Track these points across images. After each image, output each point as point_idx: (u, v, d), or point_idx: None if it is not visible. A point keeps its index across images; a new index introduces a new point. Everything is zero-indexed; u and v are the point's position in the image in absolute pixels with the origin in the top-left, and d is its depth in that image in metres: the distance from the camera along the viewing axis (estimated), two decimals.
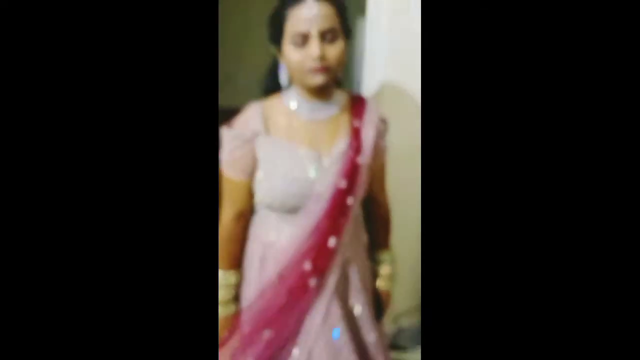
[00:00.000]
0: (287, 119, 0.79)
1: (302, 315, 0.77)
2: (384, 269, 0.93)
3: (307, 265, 0.76)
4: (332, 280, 0.78)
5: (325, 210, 0.76)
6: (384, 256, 0.94)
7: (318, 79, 0.72)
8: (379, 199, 0.91)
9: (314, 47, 0.69)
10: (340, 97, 0.83)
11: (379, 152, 0.84)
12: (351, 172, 0.77)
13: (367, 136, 0.80)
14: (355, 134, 0.79)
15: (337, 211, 0.77)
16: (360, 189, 0.80)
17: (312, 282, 0.75)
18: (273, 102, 0.81)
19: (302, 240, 0.77)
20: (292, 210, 0.77)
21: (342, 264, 0.80)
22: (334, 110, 0.81)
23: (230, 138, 0.77)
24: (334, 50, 0.72)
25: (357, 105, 0.84)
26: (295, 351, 0.76)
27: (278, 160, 0.76)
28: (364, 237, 0.90)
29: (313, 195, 0.76)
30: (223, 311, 0.81)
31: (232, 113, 0.81)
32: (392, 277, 0.94)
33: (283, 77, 0.79)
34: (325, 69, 0.72)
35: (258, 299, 0.79)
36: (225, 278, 0.82)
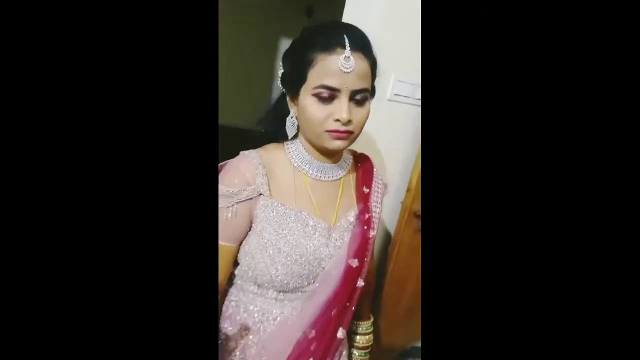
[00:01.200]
0: (291, 178, 0.66)
1: None
2: (362, 340, 0.86)
3: None
4: None
5: (334, 293, 0.65)
6: (364, 327, 0.87)
7: (337, 144, 0.61)
8: (369, 266, 0.78)
9: (343, 109, 0.58)
10: (348, 155, 0.74)
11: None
12: (363, 248, 0.67)
13: (375, 205, 0.72)
14: (365, 202, 0.70)
15: (347, 295, 0.66)
16: (368, 266, 0.70)
17: None
18: (273, 155, 0.67)
19: (303, 328, 0.65)
20: (292, 290, 0.65)
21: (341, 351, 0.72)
22: (341, 171, 0.71)
23: (224, 195, 0.61)
24: (361, 114, 0.61)
25: (363, 167, 0.75)
26: None
27: (284, 231, 0.63)
28: None
29: (321, 275, 0.65)
30: None
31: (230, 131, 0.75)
32: (369, 348, 0.88)
33: (290, 128, 0.66)
34: (348, 134, 0.61)
35: None
36: None
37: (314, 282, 0.66)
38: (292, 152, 0.68)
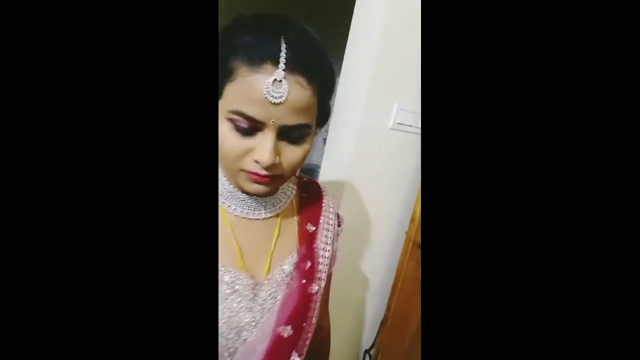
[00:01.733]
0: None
1: None
2: None
3: None
4: None
5: None
6: None
7: (255, 189, 0.47)
8: (321, 324, 0.63)
9: (265, 149, 0.43)
10: (289, 183, 0.58)
11: (331, 260, 0.58)
12: (301, 310, 0.51)
13: (322, 245, 0.55)
14: (309, 245, 0.54)
15: None
16: (310, 335, 0.53)
17: None
18: None
19: None
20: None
21: None
22: (277, 206, 0.55)
23: None
24: (295, 154, 0.46)
25: (309, 196, 0.58)
26: None
27: None
28: None
29: (241, 350, 0.48)
30: None
31: None
32: None
33: None
34: (271, 180, 0.46)
35: None
36: None
37: (234, 355, 0.48)
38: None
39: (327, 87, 0.46)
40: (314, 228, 0.56)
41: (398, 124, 1.17)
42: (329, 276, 0.60)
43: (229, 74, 0.42)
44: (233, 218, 0.52)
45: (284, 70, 0.40)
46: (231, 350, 0.48)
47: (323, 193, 0.61)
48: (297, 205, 0.58)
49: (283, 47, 0.41)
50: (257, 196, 0.51)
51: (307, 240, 0.55)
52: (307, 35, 0.45)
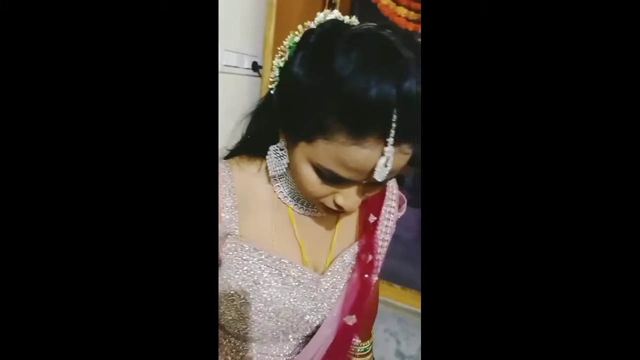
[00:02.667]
0: (269, 212, 0.50)
1: None
2: None
3: None
4: None
5: (324, 356, 0.52)
6: (361, 349, 0.67)
7: (327, 215, 0.49)
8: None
9: (351, 202, 0.42)
10: None
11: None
12: (362, 299, 0.52)
13: (382, 235, 0.54)
14: (369, 237, 0.53)
15: (340, 356, 0.54)
16: (371, 317, 0.57)
17: None
18: (250, 176, 0.50)
19: None
20: (273, 340, 0.52)
21: None
22: None
23: None
24: (367, 195, 0.45)
25: (373, 184, 0.52)
26: None
27: (261, 285, 0.48)
28: None
29: (304, 329, 0.52)
30: None
31: None
32: None
33: (274, 163, 0.46)
34: (339, 212, 0.46)
35: None
36: None
37: (295, 332, 0.52)
38: (279, 184, 0.51)
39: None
40: (375, 218, 0.54)
41: (225, 65, 1.16)
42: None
43: (322, 130, 0.37)
44: (297, 216, 0.52)
45: (393, 143, 0.35)
46: (295, 329, 0.51)
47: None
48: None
49: (394, 117, 0.34)
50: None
51: (368, 232, 0.54)
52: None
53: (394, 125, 0.34)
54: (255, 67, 1.30)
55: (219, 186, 0.48)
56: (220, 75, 1.16)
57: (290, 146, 0.43)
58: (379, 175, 0.37)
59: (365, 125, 0.35)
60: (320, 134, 0.37)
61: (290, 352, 0.53)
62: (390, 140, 0.35)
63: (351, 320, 0.52)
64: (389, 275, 2.17)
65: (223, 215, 0.47)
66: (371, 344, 0.70)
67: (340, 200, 0.42)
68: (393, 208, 0.57)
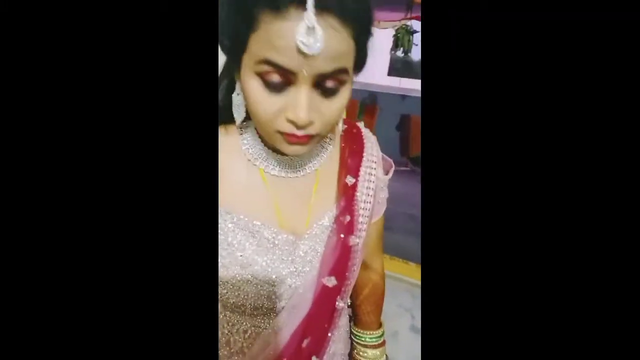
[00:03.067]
0: (243, 175, 0.51)
1: None
2: (370, 354, 0.65)
3: None
4: None
5: (306, 319, 0.52)
6: (371, 338, 0.66)
7: (294, 150, 0.44)
8: (372, 265, 0.65)
9: (300, 105, 0.40)
10: (330, 139, 0.56)
11: (376, 206, 0.58)
12: (342, 261, 0.52)
13: (365, 197, 0.54)
14: (347, 197, 0.53)
15: (322, 318, 0.54)
16: (354, 276, 0.56)
17: None
18: (223, 143, 0.50)
19: (274, 353, 0.53)
20: (266, 312, 0.53)
21: None
22: (316, 160, 0.54)
23: None
24: (331, 109, 0.42)
25: (350, 145, 0.56)
26: None
27: (236, 248, 0.49)
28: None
29: (288, 293, 0.52)
30: None
31: None
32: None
33: (237, 109, 0.46)
34: (309, 138, 0.43)
35: None
36: None
37: (280, 301, 0.52)
38: (246, 141, 0.51)
39: (362, 24, 0.40)
40: (353, 180, 0.54)
41: None
42: (381, 221, 0.61)
43: (251, 24, 0.38)
44: (271, 177, 0.51)
45: (314, 12, 0.35)
46: (277, 293, 0.51)
47: (364, 141, 0.57)
48: (338, 157, 0.56)
49: None
50: (295, 156, 0.50)
51: (347, 194, 0.53)
52: None
53: None
54: None
55: None
56: None
57: (238, 75, 0.43)
58: (304, 47, 0.36)
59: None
60: (249, 29, 0.38)
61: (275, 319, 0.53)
62: (310, 5, 0.35)
63: (330, 282, 0.52)
64: (403, 252, 2.20)
65: None
66: (383, 334, 0.67)
67: (290, 114, 0.40)
68: (374, 170, 0.56)
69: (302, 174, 0.53)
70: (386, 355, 0.69)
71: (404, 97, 3.44)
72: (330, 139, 0.56)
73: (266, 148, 0.51)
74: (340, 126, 0.57)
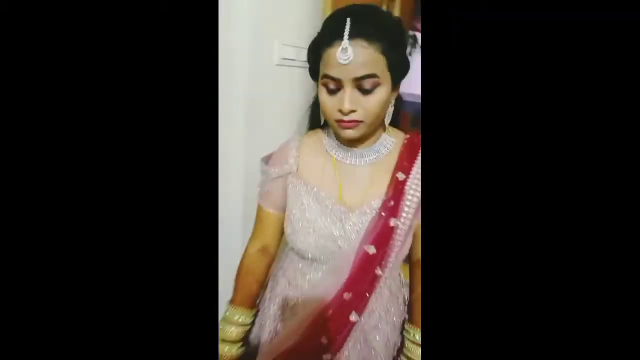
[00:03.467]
0: (321, 161, 0.72)
1: None
2: (409, 349, 0.71)
3: (324, 339, 0.67)
4: (346, 355, 0.68)
5: (349, 277, 0.66)
6: (411, 334, 0.72)
7: (348, 134, 0.64)
8: (415, 257, 0.74)
9: (345, 99, 0.60)
10: (389, 139, 0.72)
11: None
12: (382, 236, 0.66)
13: (412, 192, 0.68)
14: (396, 189, 0.67)
15: (362, 280, 0.66)
16: (397, 257, 0.68)
17: (326, 357, 0.67)
18: (311, 140, 0.75)
19: (324, 300, 0.67)
20: (323, 261, 0.70)
21: (363, 337, 0.70)
22: (377, 155, 0.71)
23: (264, 171, 0.75)
24: (369, 102, 0.61)
25: (408, 149, 0.71)
26: None
27: (306, 208, 0.69)
28: (400, 306, 0.76)
29: (340, 255, 0.67)
30: (229, 350, 0.73)
31: None
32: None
33: (320, 116, 0.69)
34: (356, 124, 0.62)
35: (275, 344, 0.71)
36: (240, 316, 0.74)
37: (331, 258, 0.68)
38: (326, 138, 0.74)
39: (391, 42, 0.60)
40: (404, 177, 0.69)
41: (283, 59, 1.24)
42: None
43: (319, 57, 0.62)
44: (340, 164, 0.71)
45: (349, 39, 0.57)
46: (330, 250, 0.68)
47: (420, 149, 0.71)
48: (397, 158, 0.71)
49: (346, 26, 0.58)
50: (351, 141, 0.68)
51: (396, 186, 0.68)
52: (365, 12, 0.61)
53: (347, 28, 0.58)
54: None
55: (288, 145, 0.74)
56: (277, 68, 1.25)
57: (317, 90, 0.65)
58: (340, 60, 0.58)
59: (331, 36, 0.59)
60: (320, 61, 0.62)
61: (327, 273, 0.70)
62: (345, 36, 0.58)
63: (370, 249, 0.66)
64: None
65: (290, 160, 0.72)
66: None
67: (339, 105, 0.61)
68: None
69: (363, 164, 0.70)
70: None
71: None
72: (392, 141, 0.73)
73: (339, 142, 0.72)
74: (403, 136, 0.74)
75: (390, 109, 0.67)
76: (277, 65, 1.24)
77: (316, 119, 0.74)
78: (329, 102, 0.63)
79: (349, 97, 0.60)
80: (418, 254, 0.72)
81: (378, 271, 0.67)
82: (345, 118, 0.62)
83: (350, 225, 0.68)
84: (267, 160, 0.77)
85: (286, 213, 0.73)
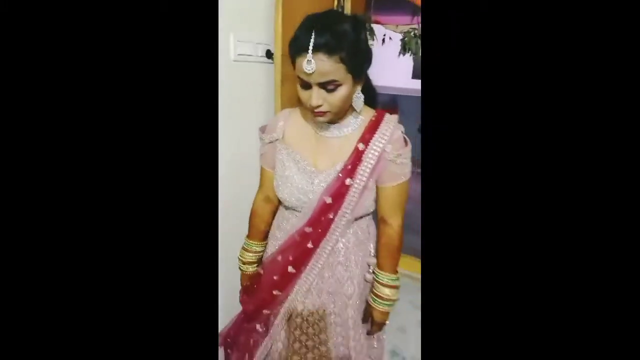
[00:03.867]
0: (301, 131, 0.90)
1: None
2: (381, 290, 0.92)
3: (290, 257, 0.92)
4: (310, 273, 0.92)
5: (310, 217, 0.88)
6: (384, 278, 0.92)
7: (319, 119, 0.82)
8: (389, 220, 0.91)
9: (312, 97, 0.76)
10: (357, 118, 0.88)
11: (389, 174, 0.86)
12: (338, 191, 0.85)
13: (368, 159, 0.84)
14: (356, 156, 0.85)
15: (319, 220, 0.88)
16: (348, 208, 0.86)
17: (290, 269, 0.92)
18: (298, 113, 0.92)
19: (293, 235, 0.91)
20: (297, 208, 0.90)
21: (321, 265, 0.91)
22: (346, 130, 0.87)
23: (260, 138, 0.94)
24: (334, 98, 0.77)
25: (372, 126, 0.86)
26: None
27: (286, 167, 0.88)
28: (368, 254, 0.96)
29: (308, 204, 0.87)
30: (246, 269, 1.01)
31: None
32: (390, 303, 0.92)
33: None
34: (324, 114, 0.79)
35: (269, 263, 0.96)
36: (250, 245, 1.01)
37: (303, 207, 0.89)
38: (309, 117, 0.89)
39: (350, 49, 0.73)
40: (363, 146, 0.85)
41: (239, 55, 1.28)
42: (397, 188, 0.88)
43: (293, 60, 0.75)
44: (318, 136, 0.89)
45: (312, 53, 0.71)
46: (303, 201, 0.87)
47: (381, 124, 0.87)
48: (361, 132, 0.87)
49: (311, 39, 0.71)
50: (323, 123, 0.85)
51: (356, 154, 0.85)
52: (328, 24, 0.73)
53: (311, 42, 0.71)
54: (269, 54, 1.40)
55: (281, 116, 0.92)
56: (235, 64, 1.28)
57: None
58: (306, 69, 0.72)
59: (298, 47, 0.73)
60: (294, 62, 0.76)
61: (300, 216, 0.91)
62: (310, 50, 0.71)
63: (328, 200, 0.86)
64: (415, 250, 2.21)
65: (277, 129, 0.91)
66: (398, 279, 0.94)
67: (309, 101, 0.77)
68: (382, 143, 0.84)
69: (335, 136, 0.88)
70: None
71: None
72: (361, 119, 0.88)
73: (311, 116, 0.84)
74: (372, 114, 0.88)
75: (358, 96, 0.82)
76: (234, 61, 1.27)
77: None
78: (303, 95, 0.79)
79: (315, 95, 0.76)
80: (382, 212, 0.91)
81: (331, 215, 0.87)
82: (316, 110, 0.78)
83: (317, 183, 0.86)
84: (262, 129, 0.95)
85: (275, 172, 0.92)
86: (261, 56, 1.39)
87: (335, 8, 1.65)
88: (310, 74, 0.73)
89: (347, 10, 1.72)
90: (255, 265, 1.02)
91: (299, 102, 0.87)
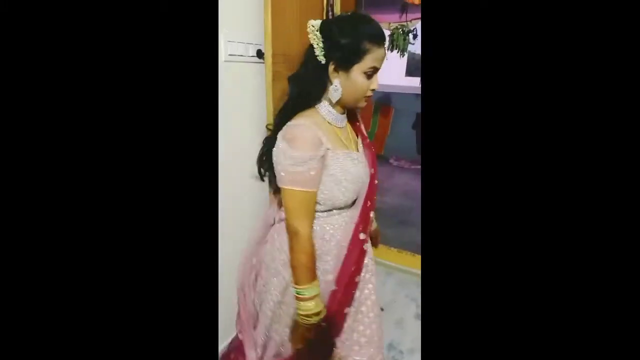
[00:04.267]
0: (331, 130, 0.95)
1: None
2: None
3: (365, 242, 1.01)
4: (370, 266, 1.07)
5: (366, 195, 0.98)
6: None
7: (364, 104, 0.95)
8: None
9: (375, 82, 0.89)
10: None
11: None
12: (374, 159, 1.04)
13: (364, 131, 1.09)
14: (362, 132, 1.08)
15: (373, 195, 1.02)
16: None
17: (357, 278, 1.01)
18: (316, 119, 0.93)
19: (355, 222, 0.97)
20: (348, 205, 0.98)
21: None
22: (346, 117, 1.02)
23: (303, 159, 0.84)
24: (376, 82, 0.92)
25: (350, 111, 1.04)
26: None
27: (346, 167, 0.92)
28: None
29: (362, 187, 0.97)
30: (316, 319, 0.89)
31: None
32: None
33: (334, 94, 0.91)
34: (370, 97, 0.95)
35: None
36: (313, 290, 0.88)
37: (360, 193, 0.98)
38: (324, 113, 0.95)
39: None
40: (358, 123, 1.10)
41: (230, 55, 1.28)
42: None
43: (366, 51, 0.85)
44: (337, 129, 0.96)
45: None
46: (364, 187, 0.98)
47: (358, 115, 1.11)
48: (358, 118, 1.11)
49: (385, 35, 0.88)
50: (342, 115, 0.97)
51: (359, 130, 1.09)
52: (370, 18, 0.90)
53: (386, 37, 0.88)
54: (260, 54, 1.41)
55: (312, 130, 0.86)
56: (226, 64, 1.29)
57: (345, 73, 0.88)
58: (385, 57, 0.89)
59: (380, 38, 0.86)
60: (366, 52, 0.86)
61: (353, 209, 1.01)
62: (386, 43, 0.87)
63: (372, 170, 1.02)
64: (410, 245, 2.24)
65: (323, 140, 0.87)
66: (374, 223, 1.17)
67: (372, 86, 0.90)
68: (359, 118, 1.10)
69: (344, 125, 1.00)
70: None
71: (419, 96, 3.48)
72: (357, 110, 1.04)
73: (335, 113, 0.96)
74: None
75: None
76: (225, 61, 1.28)
77: (311, 97, 0.94)
78: (366, 84, 0.89)
79: (376, 79, 0.89)
80: None
81: (376, 181, 1.03)
82: (370, 94, 0.92)
83: (363, 162, 0.99)
84: (297, 148, 0.84)
85: (323, 180, 0.90)
86: (252, 56, 1.40)
87: (324, 7, 1.66)
88: (382, 59, 0.87)
89: (337, 9, 1.73)
90: (322, 309, 0.91)
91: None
